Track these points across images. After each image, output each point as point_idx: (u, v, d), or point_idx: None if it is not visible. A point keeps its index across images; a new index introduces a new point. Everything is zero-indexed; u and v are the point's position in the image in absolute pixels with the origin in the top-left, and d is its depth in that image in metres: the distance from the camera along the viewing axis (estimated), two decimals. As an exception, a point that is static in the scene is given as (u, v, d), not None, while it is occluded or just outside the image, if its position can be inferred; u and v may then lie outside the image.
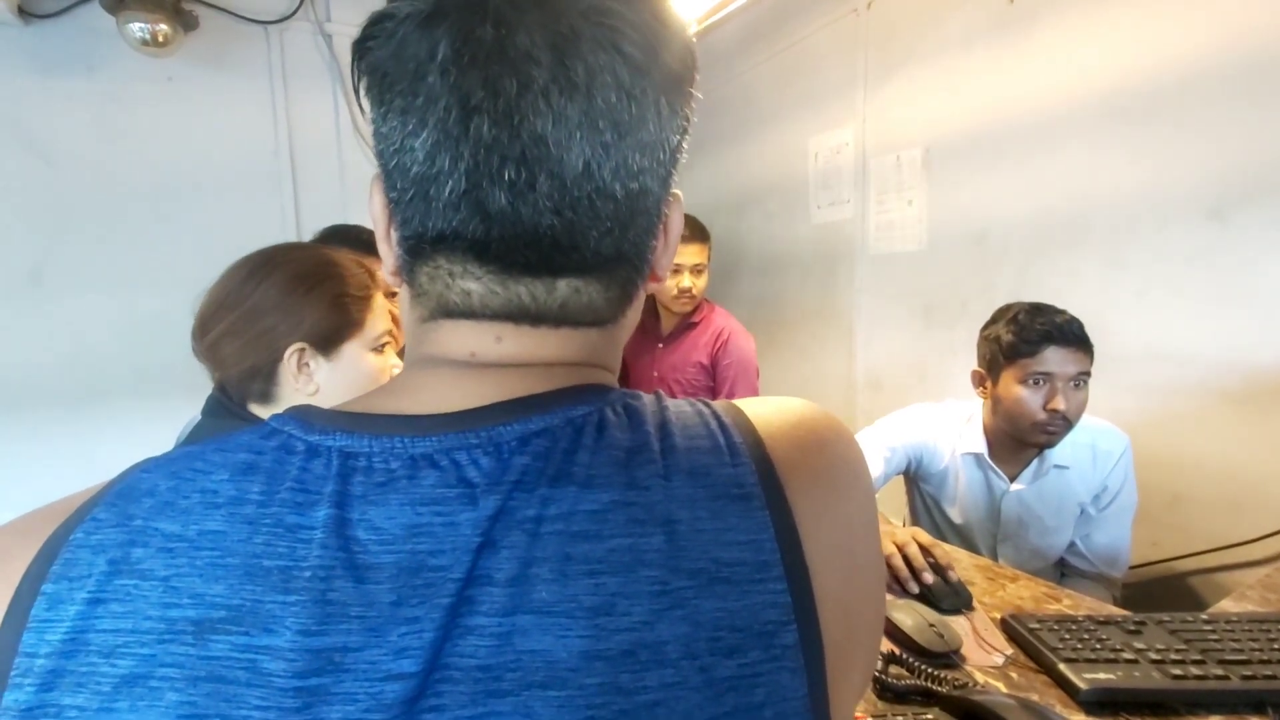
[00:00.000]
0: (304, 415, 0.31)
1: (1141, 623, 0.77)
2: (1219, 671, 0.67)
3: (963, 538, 1.33)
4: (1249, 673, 0.67)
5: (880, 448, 1.29)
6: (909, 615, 0.77)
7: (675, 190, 0.37)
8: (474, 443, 0.30)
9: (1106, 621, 0.77)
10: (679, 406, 0.34)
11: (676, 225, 0.37)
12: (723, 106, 2.56)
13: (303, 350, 0.74)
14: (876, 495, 1.40)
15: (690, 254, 1.79)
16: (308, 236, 1.77)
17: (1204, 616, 0.79)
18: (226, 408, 0.76)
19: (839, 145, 2.12)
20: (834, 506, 0.33)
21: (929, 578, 0.87)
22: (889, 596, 0.85)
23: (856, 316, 2.14)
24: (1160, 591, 1.41)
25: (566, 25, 0.28)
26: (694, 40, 0.34)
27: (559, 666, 0.26)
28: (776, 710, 0.28)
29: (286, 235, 1.80)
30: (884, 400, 2.10)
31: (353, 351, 0.78)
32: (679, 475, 0.30)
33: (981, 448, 1.27)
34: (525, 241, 0.31)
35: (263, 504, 0.28)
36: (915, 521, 1.43)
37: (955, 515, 1.32)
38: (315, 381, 0.76)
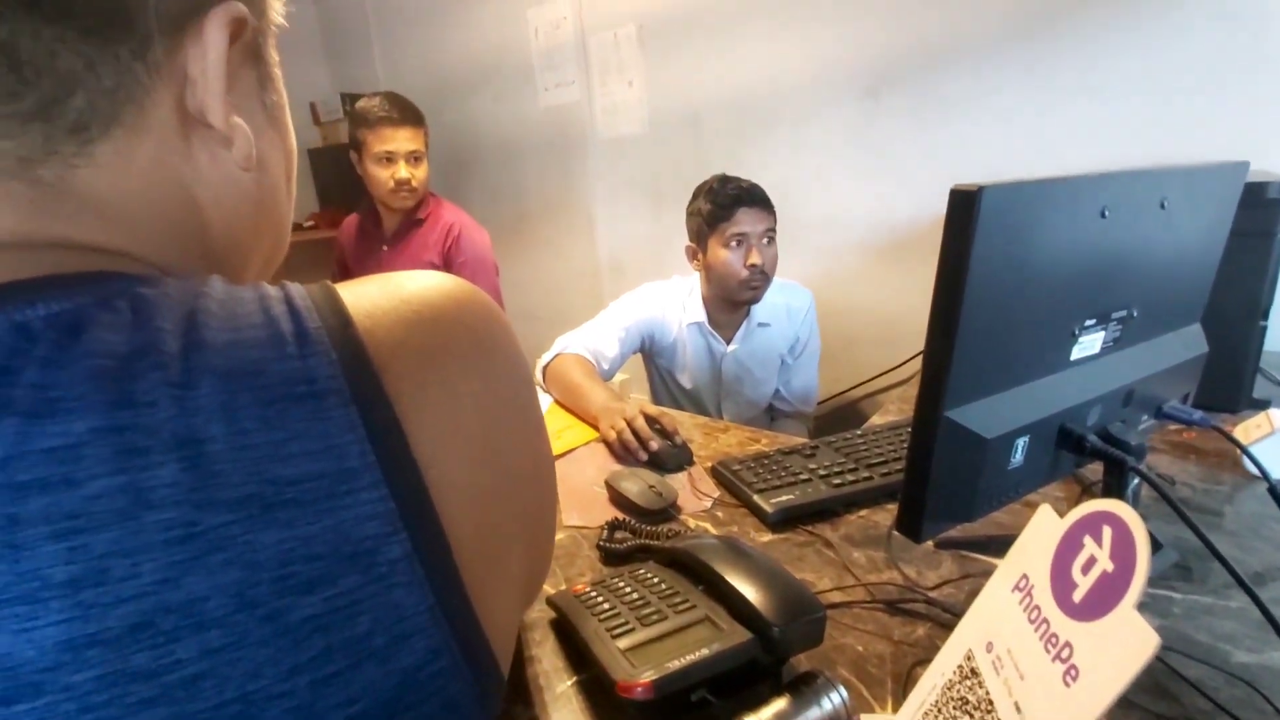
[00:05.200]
0: None
1: (816, 447, 0.91)
2: (866, 474, 0.83)
3: (693, 402, 1.46)
4: (886, 470, 0.84)
5: (614, 329, 1.33)
6: (633, 482, 0.82)
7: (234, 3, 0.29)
8: None
9: (791, 451, 0.90)
10: (232, 293, 0.26)
11: (212, 43, 0.28)
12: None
13: None
14: (618, 377, 1.41)
15: (402, 139, 1.58)
16: None
17: (858, 432, 0.96)
18: None
19: (558, 19, 1.99)
20: (456, 386, 0.29)
21: (655, 444, 0.93)
22: (618, 468, 0.89)
23: (595, 203, 2.14)
24: (842, 418, 1.73)
25: None
26: None
27: (25, 670, 0.20)
28: (391, 634, 0.25)
29: None
30: (628, 284, 2.14)
31: None
32: (207, 379, 0.23)
33: (702, 317, 1.38)
34: None
35: None
36: (654, 394, 1.54)
37: (685, 381, 1.44)
38: None
